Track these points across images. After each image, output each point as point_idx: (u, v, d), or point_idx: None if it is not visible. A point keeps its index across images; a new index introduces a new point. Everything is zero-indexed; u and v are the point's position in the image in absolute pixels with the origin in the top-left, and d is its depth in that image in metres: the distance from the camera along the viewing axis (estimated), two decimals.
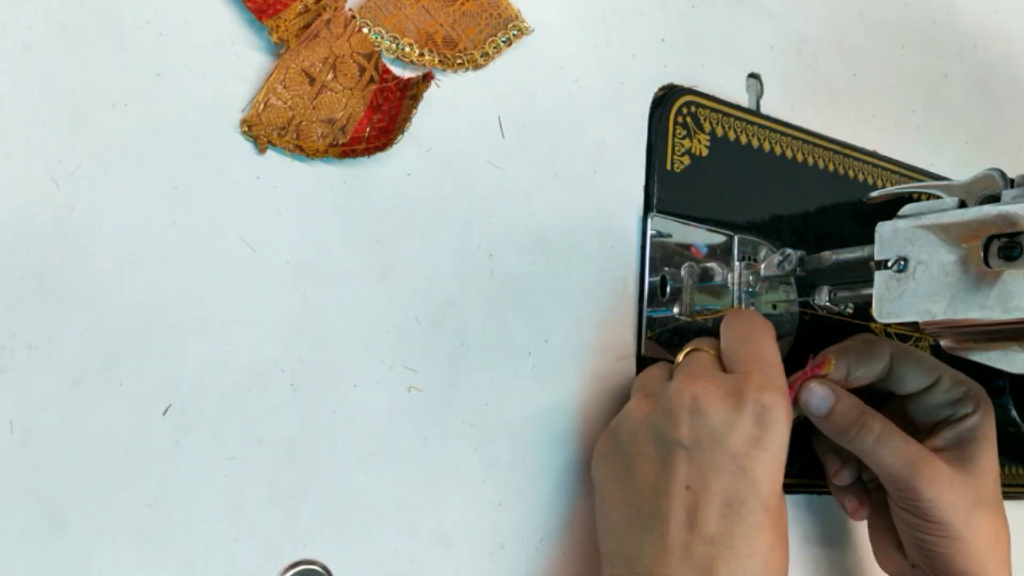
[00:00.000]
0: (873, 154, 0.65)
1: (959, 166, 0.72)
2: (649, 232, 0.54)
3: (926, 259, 0.47)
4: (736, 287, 0.56)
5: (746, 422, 0.44)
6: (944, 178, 0.69)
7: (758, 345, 0.48)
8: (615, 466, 0.47)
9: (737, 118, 0.59)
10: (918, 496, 0.50)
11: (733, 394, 0.45)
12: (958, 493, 0.50)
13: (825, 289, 0.53)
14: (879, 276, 0.48)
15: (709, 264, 0.56)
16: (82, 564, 0.39)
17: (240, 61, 0.44)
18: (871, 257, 0.49)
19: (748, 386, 0.45)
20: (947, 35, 0.74)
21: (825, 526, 0.62)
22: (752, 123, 0.59)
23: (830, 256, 0.52)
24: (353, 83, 0.46)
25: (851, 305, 0.54)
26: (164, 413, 0.41)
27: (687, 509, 0.43)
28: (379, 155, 0.46)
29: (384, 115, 0.46)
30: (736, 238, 0.57)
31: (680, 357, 0.50)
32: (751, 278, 0.55)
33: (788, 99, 0.62)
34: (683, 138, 0.56)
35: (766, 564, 0.43)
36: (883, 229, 0.49)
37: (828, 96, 0.65)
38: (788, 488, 0.59)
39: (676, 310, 0.54)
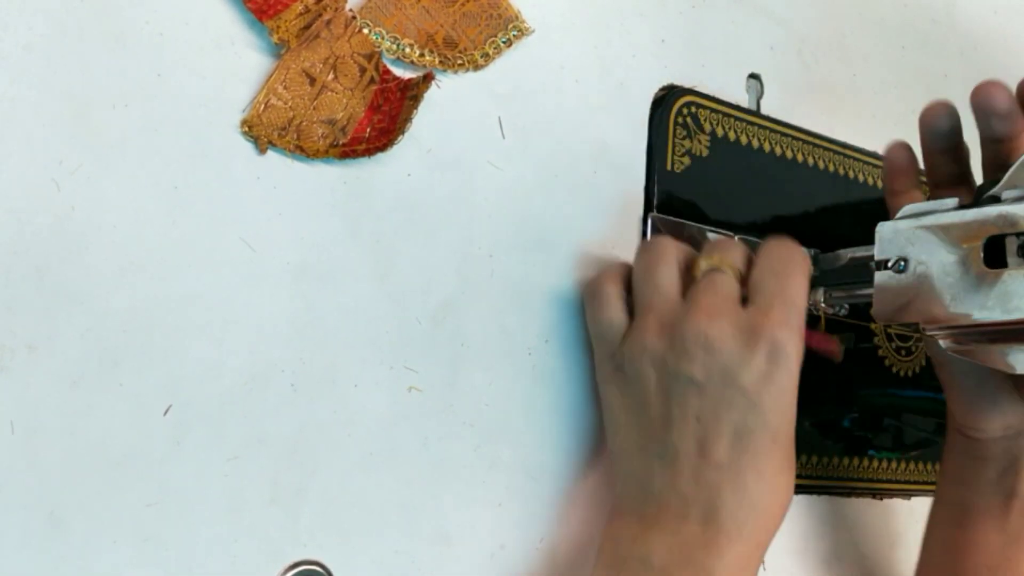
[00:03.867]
0: (873, 154, 0.66)
1: None
2: (649, 232, 0.54)
3: (926, 259, 0.47)
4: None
5: (759, 358, 0.44)
6: None
7: (788, 281, 0.46)
8: (623, 393, 0.48)
9: (737, 118, 0.59)
10: None
11: (748, 331, 0.45)
12: None
13: (820, 290, 0.53)
14: (879, 276, 0.48)
15: None
16: (82, 564, 0.39)
17: (240, 62, 0.44)
18: (871, 257, 0.49)
19: (766, 323, 0.45)
20: (947, 35, 0.74)
21: (827, 526, 0.62)
22: (752, 123, 0.59)
23: (845, 255, 0.52)
24: (353, 84, 0.46)
25: (846, 306, 0.54)
26: (164, 413, 0.41)
27: (697, 439, 0.44)
28: (379, 155, 0.46)
29: (384, 115, 0.46)
30: (736, 238, 0.57)
31: (701, 267, 0.48)
32: None
33: (788, 99, 0.62)
34: (683, 138, 0.56)
35: (772, 486, 0.44)
36: (883, 229, 0.49)
37: (828, 96, 0.65)
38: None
39: None
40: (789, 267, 0.47)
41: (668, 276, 0.48)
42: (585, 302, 0.51)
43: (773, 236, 0.49)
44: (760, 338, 0.45)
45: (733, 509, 0.43)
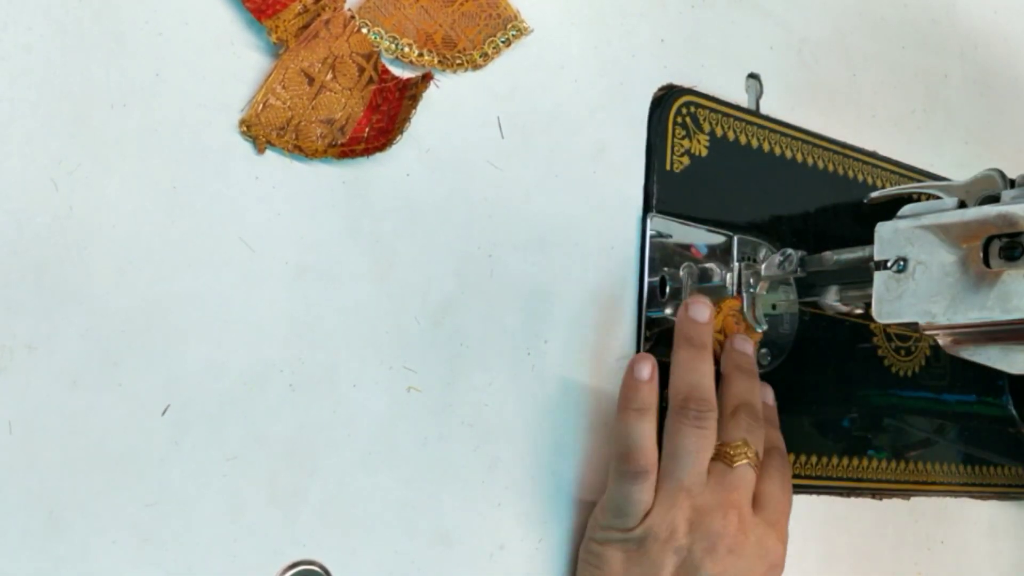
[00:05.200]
0: (873, 154, 0.66)
1: (959, 166, 0.72)
2: (649, 232, 0.54)
3: (926, 259, 0.47)
4: (735, 288, 0.56)
5: (763, 568, 0.49)
6: (944, 178, 0.69)
7: (789, 498, 0.52)
8: (632, 565, 0.48)
9: (737, 118, 0.59)
10: None
11: (761, 544, 0.49)
12: None
13: (833, 289, 0.53)
14: (879, 276, 0.48)
15: (708, 264, 0.56)
16: (82, 564, 0.39)
17: (239, 61, 0.44)
18: (871, 257, 0.49)
19: (772, 537, 0.50)
20: (947, 35, 0.74)
21: (827, 526, 0.62)
22: (752, 123, 0.59)
23: (831, 256, 0.52)
24: (352, 83, 0.46)
25: (862, 304, 0.54)
26: (164, 413, 0.41)
27: None
28: (378, 155, 0.46)
29: (383, 115, 0.46)
30: (736, 238, 0.57)
31: (732, 449, 0.50)
32: (751, 279, 0.55)
33: (788, 99, 0.62)
34: (683, 138, 0.56)
35: None
36: (883, 229, 0.49)
37: (828, 96, 0.65)
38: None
39: (668, 311, 0.54)
40: (789, 482, 0.52)
41: (704, 449, 0.49)
42: (615, 443, 0.50)
43: (775, 455, 0.52)
44: (768, 551, 0.49)
45: None
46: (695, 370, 0.50)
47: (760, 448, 0.51)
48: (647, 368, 0.49)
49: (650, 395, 0.49)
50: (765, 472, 0.51)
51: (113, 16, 0.41)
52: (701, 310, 0.51)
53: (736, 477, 0.49)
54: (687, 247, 0.56)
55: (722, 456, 0.49)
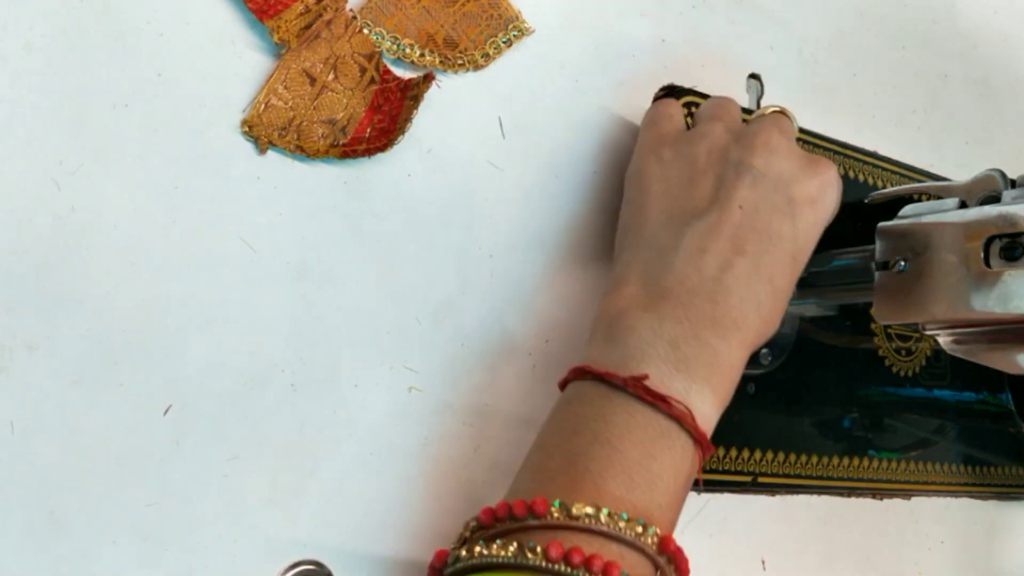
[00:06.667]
0: (873, 154, 0.65)
1: (959, 166, 0.72)
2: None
3: (926, 259, 0.47)
4: None
5: (811, 182, 0.47)
6: (944, 178, 0.69)
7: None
8: (672, 169, 0.48)
9: None
10: None
11: (809, 159, 0.48)
12: None
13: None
14: (879, 276, 0.48)
15: None
16: (82, 564, 0.39)
17: (241, 61, 0.44)
18: (871, 257, 0.49)
19: (822, 162, 0.48)
20: (947, 35, 0.74)
21: (827, 526, 0.62)
22: None
23: (831, 257, 0.52)
24: (354, 84, 0.46)
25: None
26: (164, 413, 0.41)
27: (734, 225, 0.45)
28: (379, 155, 0.46)
29: (385, 115, 0.46)
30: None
31: (766, 110, 0.51)
32: None
33: (788, 99, 0.62)
34: None
35: (775, 296, 0.45)
36: (883, 229, 0.49)
37: (828, 96, 0.65)
38: (789, 487, 0.59)
39: None
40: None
41: (734, 105, 0.51)
42: (644, 117, 0.52)
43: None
44: (818, 168, 0.48)
45: (740, 300, 0.44)
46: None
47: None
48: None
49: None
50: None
51: (114, 16, 0.41)
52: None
53: (772, 117, 0.50)
54: None
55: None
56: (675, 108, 0.52)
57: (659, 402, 0.40)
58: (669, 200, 0.47)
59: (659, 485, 0.40)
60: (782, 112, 0.51)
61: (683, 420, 0.40)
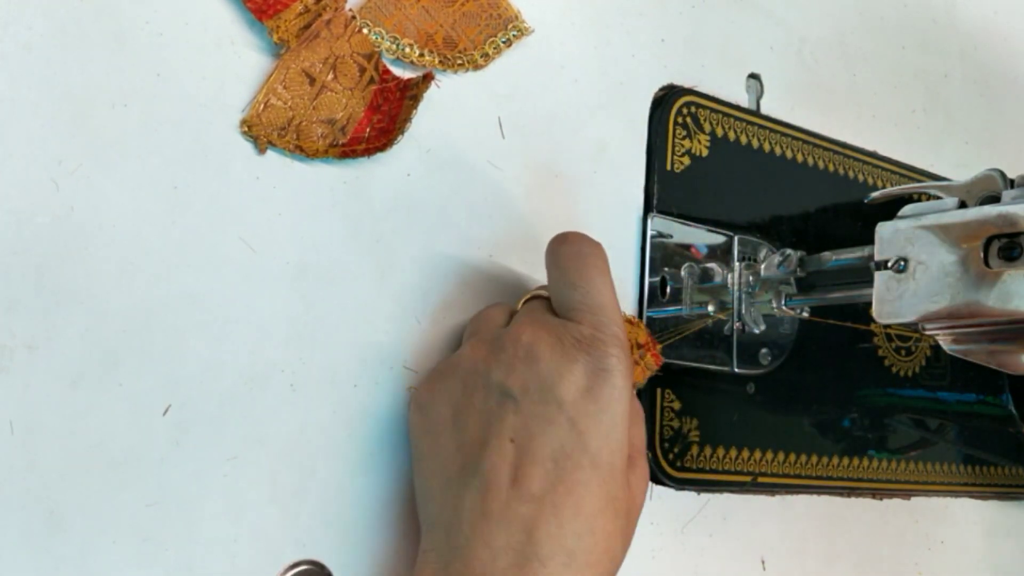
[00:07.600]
0: (873, 154, 0.66)
1: (959, 166, 0.72)
2: (649, 232, 0.54)
3: (926, 259, 0.47)
4: (736, 287, 0.56)
5: (577, 372, 0.40)
6: (944, 178, 0.69)
7: (589, 288, 0.42)
8: (437, 418, 0.42)
9: (737, 118, 0.59)
10: None
11: (564, 342, 0.41)
12: None
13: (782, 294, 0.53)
14: (879, 276, 0.48)
15: (709, 264, 0.56)
16: (82, 564, 0.39)
17: (240, 61, 0.44)
18: (871, 257, 0.49)
19: (579, 334, 0.41)
20: (947, 35, 0.74)
21: (827, 526, 0.62)
22: (752, 123, 0.59)
23: (830, 257, 0.52)
24: (353, 83, 0.46)
25: (807, 309, 0.54)
26: (164, 413, 0.41)
27: (511, 465, 0.39)
28: (379, 155, 0.46)
29: (384, 115, 0.46)
30: (736, 239, 0.57)
31: (520, 303, 0.46)
32: (751, 279, 0.55)
33: (788, 99, 0.62)
34: (683, 138, 0.56)
35: (592, 528, 0.38)
36: (883, 229, 0.49)
37: (828, 96, 0.65)
38: (785, 486, 0.59)
39: (669, 311, 0.54)
40: (585, 273, 0.43)
41: (498, 310, 0.46)
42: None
43: (554, 237, 0.45)
44: (577, 348, 0.40)
45: (548, 554, 0.37)
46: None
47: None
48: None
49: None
50: (548, 279, 0.45)
51: (114, 16, 0.41)
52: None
53: (522, 311, 0.44)
54: (687, 247, 0.56)
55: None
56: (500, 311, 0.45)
57: None
58: (443, 461, 0.41)
59: None
60: (538, 295, 0.45)
61: None
